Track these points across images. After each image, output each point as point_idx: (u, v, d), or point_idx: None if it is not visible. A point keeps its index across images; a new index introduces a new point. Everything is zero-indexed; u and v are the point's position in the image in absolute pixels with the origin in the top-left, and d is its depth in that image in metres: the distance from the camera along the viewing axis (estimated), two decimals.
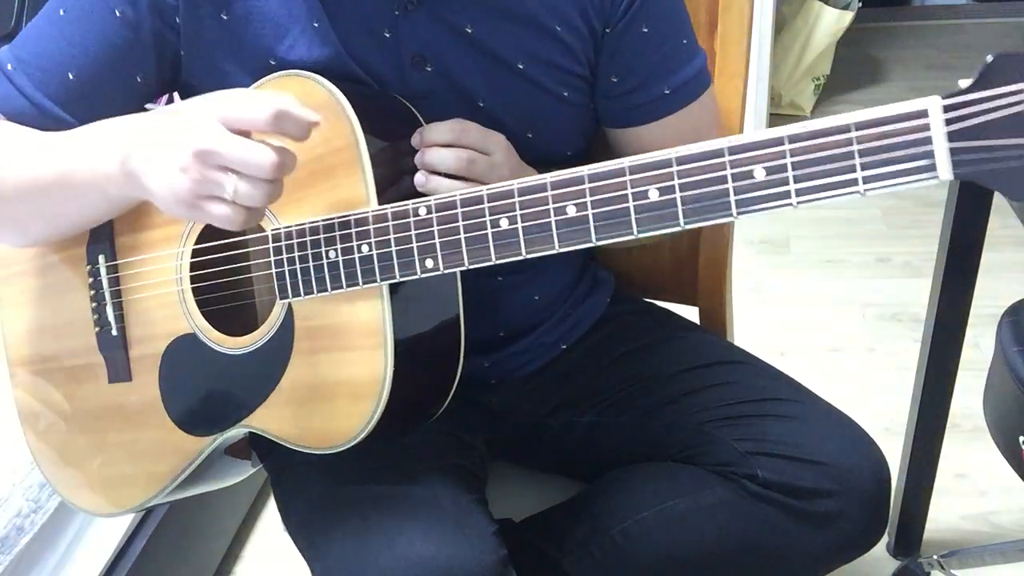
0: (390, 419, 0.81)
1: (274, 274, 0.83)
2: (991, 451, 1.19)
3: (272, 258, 0.82)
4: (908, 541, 1.50)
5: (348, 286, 0.79)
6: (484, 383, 1.03)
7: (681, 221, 0.68)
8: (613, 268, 1.15)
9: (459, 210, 0.75)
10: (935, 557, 1.44)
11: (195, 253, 0.88)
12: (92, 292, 0.94)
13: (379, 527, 0.84)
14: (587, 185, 0.70)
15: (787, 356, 2.03)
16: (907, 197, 2.63)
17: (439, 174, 0.82)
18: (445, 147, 0.83)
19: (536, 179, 0.72)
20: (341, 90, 0.79)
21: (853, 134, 0.62)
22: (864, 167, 0.62)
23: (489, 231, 0.74)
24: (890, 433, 1.54)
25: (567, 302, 1.06)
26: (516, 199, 0.72)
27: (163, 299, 0.90)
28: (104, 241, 0.92)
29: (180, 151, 0.70)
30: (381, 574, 0.81)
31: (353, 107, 0.78)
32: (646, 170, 0.68)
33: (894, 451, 1.38)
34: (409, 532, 0.83)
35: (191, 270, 0.88)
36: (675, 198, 0.67)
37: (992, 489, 1.66)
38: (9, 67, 0.87)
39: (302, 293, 0.81)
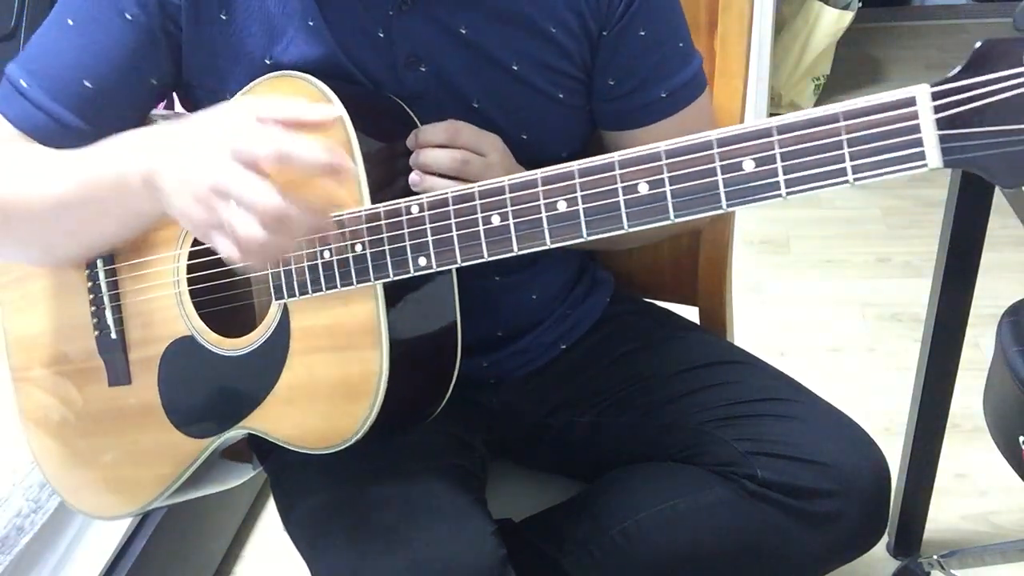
0: (387, 418, 0.81)
1: (270, 275, 0.83)
2: (991, 451, 1.18)
3: None
4: (908, 541, 1.50)
5: (343, 286, 0.79)
6: (483, 383, 1.03)
7: (671, 214, 0.68)
8: (613, 268, 1.15)
9: (451, 207, 0.75)
10: (935, 557, 1.44)
11: (191, 255, 0.89)
12: (91, 296, 0.94)
13: (379, 527, 0.84)
14: (577, 180, 0.70)
15: (787, 356, 2.03)
16: (907, 197, 2.63)
17: (434, 174, 0.82)
18: (439, 148, 0.83)
19: (527, 175, 0.72)
20: (334, 90, 0.79)
21: (841, 124, 0.62)
22: (853, 156, 0.62)
23: (481, 228, 0.74)
24: (890, 433, 1.54)
25: (566, 302, 1.06)
26: (507, 195, 0.73)
27: (161, 302, 0.90)
28: None
29: (196, 184, 0.72)
30: (381, 574, 0.81)
31: (346, 107, 0.79)
32: (636, 164, 0.68)
33: (894, 451, 1.37)
34: (408, 532, 0.83)
35: (188, 272, 0.89)
36: (665, 191, 0.68)
37: (992, 489, 1.65)
38: (22, 83, 0.86)
39: (297, 293, 0.82)
